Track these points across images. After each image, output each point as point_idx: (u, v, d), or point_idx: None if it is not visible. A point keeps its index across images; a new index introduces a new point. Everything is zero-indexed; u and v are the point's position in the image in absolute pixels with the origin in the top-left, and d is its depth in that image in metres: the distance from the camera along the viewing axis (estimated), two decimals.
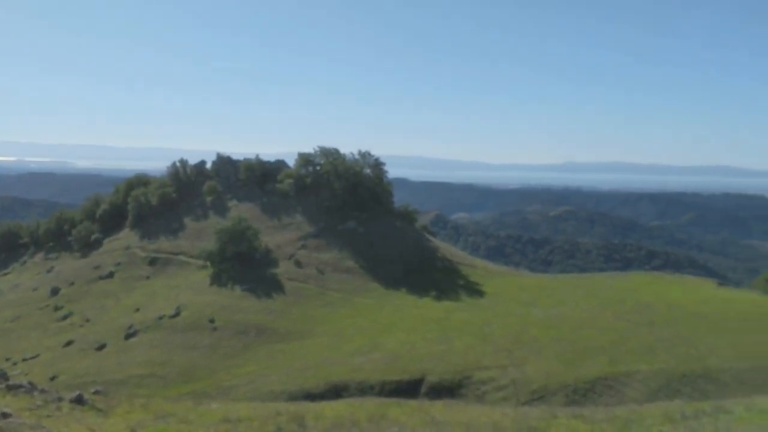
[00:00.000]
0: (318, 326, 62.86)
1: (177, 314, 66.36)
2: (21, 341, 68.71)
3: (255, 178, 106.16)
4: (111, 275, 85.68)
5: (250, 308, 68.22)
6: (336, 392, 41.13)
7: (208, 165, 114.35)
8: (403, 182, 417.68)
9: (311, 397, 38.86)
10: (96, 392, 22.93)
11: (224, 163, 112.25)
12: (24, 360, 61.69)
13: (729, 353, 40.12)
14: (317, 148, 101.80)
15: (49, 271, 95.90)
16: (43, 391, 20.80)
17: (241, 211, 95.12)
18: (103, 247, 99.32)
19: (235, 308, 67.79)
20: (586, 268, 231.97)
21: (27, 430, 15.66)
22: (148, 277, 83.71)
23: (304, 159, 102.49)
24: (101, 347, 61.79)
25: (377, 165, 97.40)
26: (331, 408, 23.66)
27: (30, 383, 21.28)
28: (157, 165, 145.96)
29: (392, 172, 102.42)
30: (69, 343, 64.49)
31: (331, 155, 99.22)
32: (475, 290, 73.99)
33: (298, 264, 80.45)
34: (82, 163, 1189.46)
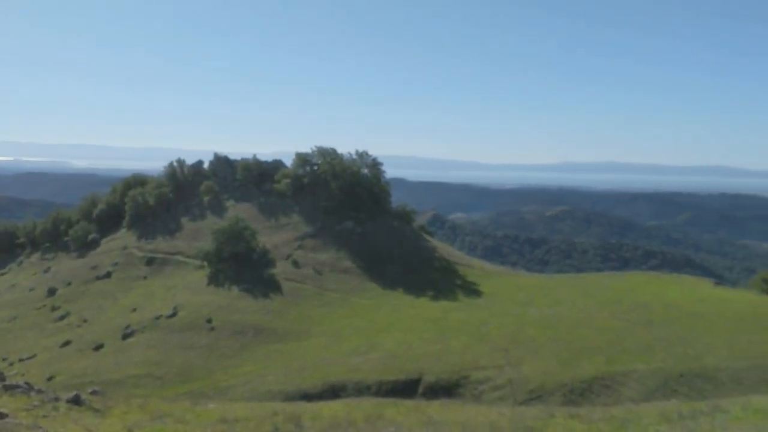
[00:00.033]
0: (315, 326, 62.85)
1: (174, 314, 66.30)
2: (18, 341, 68.59)
3: (252, 178, 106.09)
4: (108, 275, 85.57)
5: (248, 308, 68.17)
6: (333, 392, 41.16)
7: (206, 165, 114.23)
8: (400, 182, 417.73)
9: (308, 397, 38.86)
10: (93, 392, 22.93)
11: (221, 163, 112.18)
12: (21, 360, 61.57)
13: (726, 353, 40.21)
14: (314, 148, 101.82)
15: (46, 272, 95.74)
16: (40, 391, 20.78)
17: (239, 211, 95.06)
18: (100, 247, 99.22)
19: (232, 308, 67.74)
20: (582, 268, 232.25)
21: (24, 430, 15.64)
22: (145, 277, 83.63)
23: (302, 159, 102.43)
24: (98, 347, 61.71)
25: (375, 165, 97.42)
26: (328, 408, 23.69)
27: (27, 383, 21.27)
28: (154, 165, 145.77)
29: (390, 172, 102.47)
30: (66, 344, 64.39)
31: (328, 155, 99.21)
32: (472, 290, 74.05)
33: (296, 264, 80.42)
34: (79, 162, 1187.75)
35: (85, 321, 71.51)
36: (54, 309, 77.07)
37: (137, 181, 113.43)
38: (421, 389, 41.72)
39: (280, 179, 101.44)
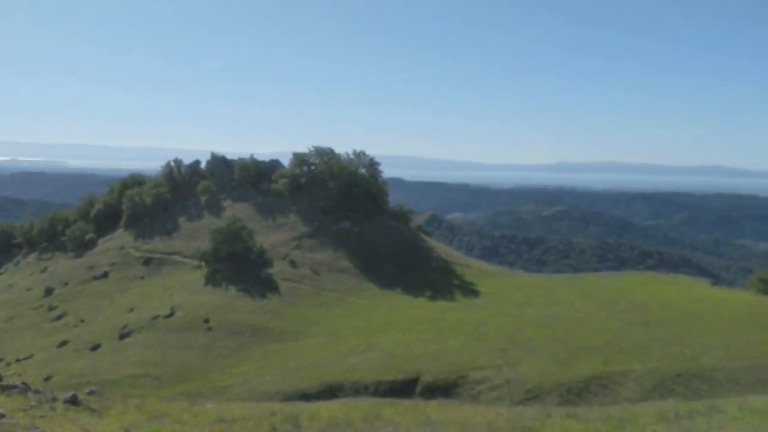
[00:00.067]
0: (313, 326, 62.83)
1: (171, 314, 66.25)
2: (15, 341, 68.47)
3: (249, 178, 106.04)
4: (105, 275, 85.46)
5: (245, 308, 68.14)
6: (331, 392, 41.16)
7: (203, 165, 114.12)
8: (398, 182, 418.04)
9: (306, 397, 38.86)
10: (90, 392, 22.89)
11: (219, 163, 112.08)
12: (18, 360, 61.47)
13: (722, 353, 40.28)
14: (312, 148, 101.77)
15: (42, 272, 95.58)
16: (37, 391, 20.74)
17: (236, 211, 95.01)
18: (97, 247, 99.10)
19: (229, 308, 67.70)
20: (580, 268, 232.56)
21: (21, 430, 15.63)
22: (142, 277, 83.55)
23: (299, 159, 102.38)
24: (95, 347, 61.62)
25: (372, 165, 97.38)
26: (326, 408, 23.68)
27: (24, 384, 21.22)
28: (151, 165, 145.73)
29: (387, 172, 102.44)
30: (63, 344, 64.30)
31: (325, 155, 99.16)
32: (469, 290, 74.09)
33: (293, 264, 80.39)
34: (76, 162, 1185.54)
35: (82, 321, 71.41)
36: (51, 309, 76.96)
37: (134, 181, 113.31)
38: (418, 389, 41.74)
39: (278, 179, 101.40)
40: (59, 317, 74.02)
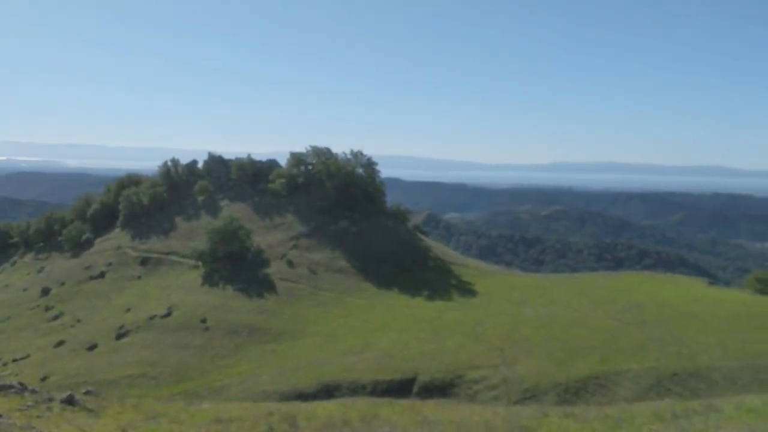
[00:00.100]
0: (310, 326, 62.80)
1: (168, 314, 66.17)
2: (11, 342, 68.34)
3: (247, 178, 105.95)
4: (102, 275, 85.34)
5: (242, 308, 68.08)
6: (328, 392, 41.15)
7: (200, 165, 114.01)
8: (395, 182, 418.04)
9: (303, 397, 38.85)
10: (87, 393, 22.86)
11: (216, 162, 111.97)
12: (14, 360, 61.35)
13: (719, 352, 40.36)
14: (309, 148, 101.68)
15: (39, 272, 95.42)
16: (33, 391, 20.72)
17: (233, 210, 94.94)
18: (94, 247, 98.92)
19: (226, 308, 67.64)
20: (577, 268, 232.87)
21: (17, 430, 15.60)
22: (139, 277, 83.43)
23: (296, 159, 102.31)
24: (92, 347, 61.53)
25: (369, 165, 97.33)
26: (323, 408, 23.68)
27: (20, 384, 21.19)
28: (148, 165, 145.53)
29: (385, 172, 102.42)
30: (60, 344, 64.18)
31: (323, 155, 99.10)
32: (467, 290, 74.11)
33: (290, 264, 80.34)
34: (73, 162, 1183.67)
35: (78, 321, 71.30)
36: (48, 309, 76.83)
37: (131, 180, 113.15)
38: (416, 389, 41.74)
39: (275, 179, 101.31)
40: (56, 317, 73.91)
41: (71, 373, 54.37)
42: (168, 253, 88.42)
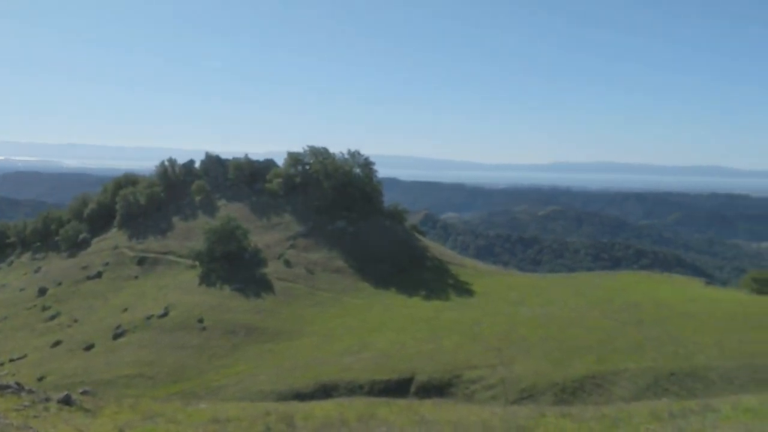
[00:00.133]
0: (307, 326, 62.78)
1: (165, 314, 66.10)
2: (8, 342, 68.22)
3: (244, 178, 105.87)
4: (99, 275, 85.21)
5: (239, 308, 68.03)
6: (325, 392, 41.13)
7: (197, 164, 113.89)
8: (393, 182, 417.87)
9: (301, 396, 38.84)
10: (84, 393, 22.84)
11: (213, 162, 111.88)
12: (11, 360, 61.25)
13: (716, 352, 40.41)
14: (306, 148, 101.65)
15: (36, 271, 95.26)
16: (30, 391, 20.69)
17: (230, 210, 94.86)
18: (91, 246, 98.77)
19: (224, 308, 67.59)
20: (574, 268, 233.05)
21: (14, 430, 15.57)
22: (136, 277, 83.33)
23: (294, 158, 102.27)
24: (89, 347, 61.45)
25: (367, 164, 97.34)
26: (321, 408, 23.68)
27: (17, 384, 21.16)
28: (145, 164, 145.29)
29: (383, 172, 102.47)
30: (57, 344, 64.09)
31: (320, 155, 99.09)
32: (464, 289, 74.14)
33: (288, 264, 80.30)
34: (71, 162, 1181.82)
35: (75, 321, 71.19)
36: (44, 309, 76.69)
37: (128, 180, 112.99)
38: (413, 389, 41.74)
39: (272, 179, 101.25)
40: (53, 317, 73.79)
41: (68, 373, 54.30)
42: (165, 253, 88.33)
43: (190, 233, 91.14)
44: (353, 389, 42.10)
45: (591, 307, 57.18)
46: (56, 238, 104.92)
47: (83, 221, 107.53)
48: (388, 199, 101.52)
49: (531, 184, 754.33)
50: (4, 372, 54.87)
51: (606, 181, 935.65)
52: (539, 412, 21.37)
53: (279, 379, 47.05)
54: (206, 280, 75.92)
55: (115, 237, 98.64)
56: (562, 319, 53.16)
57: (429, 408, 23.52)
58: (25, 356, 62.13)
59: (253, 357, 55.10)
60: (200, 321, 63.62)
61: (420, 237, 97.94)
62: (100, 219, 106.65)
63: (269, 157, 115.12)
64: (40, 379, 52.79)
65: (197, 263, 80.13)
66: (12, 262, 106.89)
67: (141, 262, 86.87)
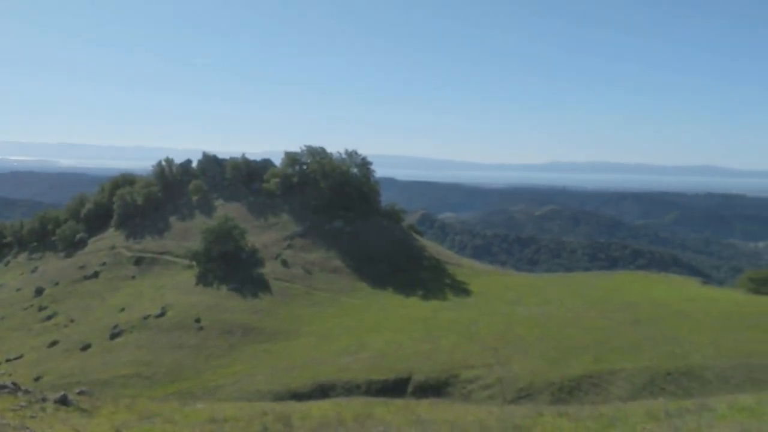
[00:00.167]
0: (305, 326, 62.79)
1: (163, 314, 66.05)
2: (5, 342, 68.10)
3: (241, 178, 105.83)
4: (96, 275, 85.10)
5: (237, 308, 68.01)
6: (322, 392, 41.11)
7: (194, 164, 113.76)
8: (390, 182, 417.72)
9: (298, 396, 38.80)
10: (81, 393, 22.80)
11: (210, 162, 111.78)
12: (8, 360, 61.15)
13: (712, 351, 40.49)
14: (304, 148, 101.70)
15: (33, 271, 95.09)
16: (27, 391, 20.65)
17: (228, 210, 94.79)
18: (88, 246, 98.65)
19: (221, 308, 67.56)
20: (571, 267, 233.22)
21: (11, 430, 15.56)
22: (133, 277, 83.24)
23: (291, 158, 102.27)
24: (86, 347, 61.38)
25: (364, 164, 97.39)
26: (318, 407, 23.67)
27: (14, 384, 21.12)
28: (142, 164, 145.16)
29: (380, 171, 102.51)
30: (53, 344, 64.00)
31: (317, 154, 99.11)
32: (461, 289, 74.22)
33: (285, 264, 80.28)
34: (67, 162, 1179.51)
35: (72, 321, 71.10)
36: (41, 309, 76.59)
37: (125, 180, 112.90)
38: (410, 388, 41.75)
39: (270, 178, 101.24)
40: (49, 317, 73.68)
41: (65, 373, 54.23)
42: (162, 253, 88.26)
43: (188, 233, 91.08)
44: (350, 389, 42.09)
45: (588, 306, 57.29)
46: (53, 238, 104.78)
47: (80, 221, 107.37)
48: (385, 199, 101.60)
49: (528, 183, 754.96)
50: (1, 372, 54.73)
51: (603, 180, 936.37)
52: (536, 412, 21.38)
53: (276, 379, 47.04)
54: (203, 280, 75.87)
55: (112, 237, 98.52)
56: (559, 318, 53.24)
57: (426, 408, 23.53)
58: (21, 356, 62.04)
59: (250, 357, 55.09)
60: (197, 321, 63.59)
61: (417, 237, 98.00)
62: (97, 219, 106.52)
63: (266, 156, 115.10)
64: (37, 379, 52.72)
65: (194, 263, 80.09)
66: (9, 262, 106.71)
67: (138, 262, 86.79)
